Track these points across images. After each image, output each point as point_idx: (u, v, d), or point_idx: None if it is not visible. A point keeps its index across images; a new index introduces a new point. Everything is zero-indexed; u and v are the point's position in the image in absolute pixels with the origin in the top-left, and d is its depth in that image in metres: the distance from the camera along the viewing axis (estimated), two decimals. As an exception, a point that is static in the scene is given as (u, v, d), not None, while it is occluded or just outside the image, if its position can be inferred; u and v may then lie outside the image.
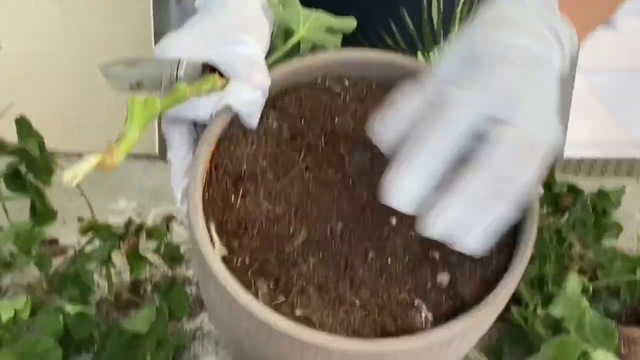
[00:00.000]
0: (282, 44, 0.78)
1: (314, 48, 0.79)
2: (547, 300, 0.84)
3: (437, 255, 0.70)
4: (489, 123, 0.60)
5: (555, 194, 0.93)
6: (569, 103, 2.06)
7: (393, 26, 1.13)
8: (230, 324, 0.71)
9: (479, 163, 0.59)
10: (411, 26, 1.13)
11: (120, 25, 1.57)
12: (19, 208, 1.06)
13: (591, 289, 0.83)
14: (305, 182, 0.73)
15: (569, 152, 1.63)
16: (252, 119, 0.73)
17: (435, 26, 1.14)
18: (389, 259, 0.70)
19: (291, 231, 0.72)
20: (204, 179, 0.72)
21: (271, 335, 0.67)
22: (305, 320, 0.68)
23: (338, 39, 0.81)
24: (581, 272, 0.92)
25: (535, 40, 0.64)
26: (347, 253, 0.71)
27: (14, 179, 0.90)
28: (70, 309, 0.83)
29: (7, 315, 0.80)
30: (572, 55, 0.70)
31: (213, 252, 0.68)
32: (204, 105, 0.71)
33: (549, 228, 0.93)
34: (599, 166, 1.23)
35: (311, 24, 0.79)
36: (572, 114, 2.09)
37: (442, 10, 1.14)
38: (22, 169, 0.90)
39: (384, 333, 0.68)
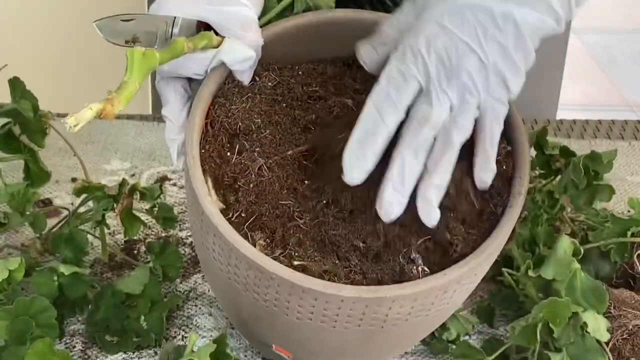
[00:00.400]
0: (277, 3, 0.80)
1: (308, 9, 0.80)
2: (539, 262, 0.84)
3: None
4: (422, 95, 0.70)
5: (547, 156, 0.93)
6: (562, 64, 2.05)
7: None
8: (228, 276, 0.72)
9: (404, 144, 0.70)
10: None
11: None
12: (13, 168, 1.06)
13: (582, 251, 0.83)
14: (297, 137, 0.76)
15: (562, 114, 1.63)
16: (245, 76, 0.76)
17: None
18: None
19: (286, 188, 0.73)
20: (201, 134, 0.73)
21: (270, 282, 0.68)
22: (304, 270, 0.69)
23: (331, 0, 0.82)
24: (572, 234, 0.92)
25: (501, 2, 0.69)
26: (344, 206, 0.72)
27: (8, 140, 0.90)
28: (65, 269, 0.84)
29: (1, 276, 0.81)
30: (567, 17, 0.72)
31: (212, 204, 0.70)
32: (198, 63, 0.73)
33: (541, 190, 0.94)
34: (591, 128, 1.23)
35: None
36: (565, 75, 2.08)
37: None
38: (16, 130, 0.89)
39: (381, 284, 0.70)
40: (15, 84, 0.88)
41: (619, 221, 0.88)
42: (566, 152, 0.92)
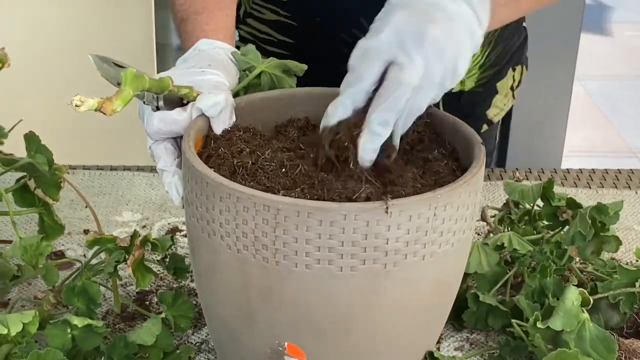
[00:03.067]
0: (246, 76, 0.95)
1: (273, 87, 0.95)
2: (548, 314, 0.85)
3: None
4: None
5: (555, 208, 0.94)
6: (566, 113, 2.07)
7: None
8: (234, 244, 0.77)
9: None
10: None
11: (126, 40, 1.59)
12: (25, 221, 1.08)
13: (591, 301, 0.84)
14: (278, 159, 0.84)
15: (568, 163, 1.65)
16: (217, 124, 0.86)
17: None
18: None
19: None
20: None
21: (277, 218, 0.74)
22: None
23: (293, 81, 0.97)
24: (581, 284, 0.93)
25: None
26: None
27: (23, 194, 0.91)
28: (78, 321, 0.84)
29: (15, 329, 0.81)
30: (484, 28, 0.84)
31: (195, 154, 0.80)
32: (181, 124, 0.85)
33: (549, 241, 0.95)
34: (598, 177, 1.24)
35: (269, 63, 0.95)
36: (570, 123, 2.11)
37: None
38: (31, 184, 0.91)
39: None
40: (31, 139, 0.89)
41: (626, 272, 0.89)
42: (573, 204, 0.93)
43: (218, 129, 0.86)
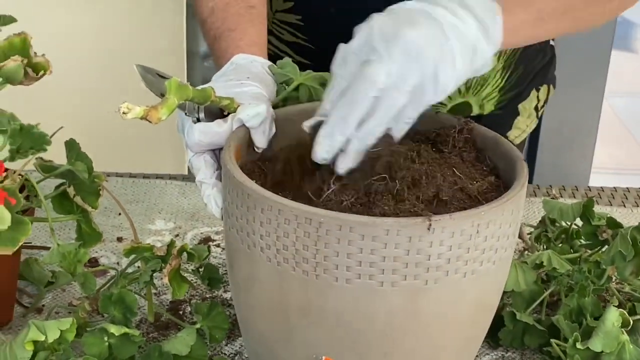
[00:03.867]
0: (284, 89, 0.96)
1: (311, 99, 0.95)
2: (586, 334, 0.84)
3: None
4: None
5: (594, 227, 0.94)
6: (595, 130, 2.06)
7: None
8: (274, 257, 0.77)
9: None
10: None
11: (157, 47, 1.60)
12: (60, 228, 1.08)
13: (631, 322, 0.83)
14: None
15: (595, 180, 1.63)
16: (258, 136, 0.85)
17: None
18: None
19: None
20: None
21: (319, 231, 0.74)
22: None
23: None
24: (620, 305, 0.92)
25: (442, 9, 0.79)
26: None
27: (62, 201, 0.91)
28: (115, 330, 0.84)
29: (53, 336, 0.81)
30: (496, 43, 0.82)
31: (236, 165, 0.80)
32: (221, 134, 0.85)
33: (587, 260, 0.94)
34: (633, 196, 1.23)
35: (307, 76, 0.96)
36: (597, 139, 2.10)
37: None
38: (70, 191, 0.91)
39: None
40: (71, 146, 0.90)
41: (666, 293, 0.88)
42: (613, 224, 0.93)
43: (259, 140, 0.86)
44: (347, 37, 1.12)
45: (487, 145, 0.88)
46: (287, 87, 0.95)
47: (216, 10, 1.04)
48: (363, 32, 0.80)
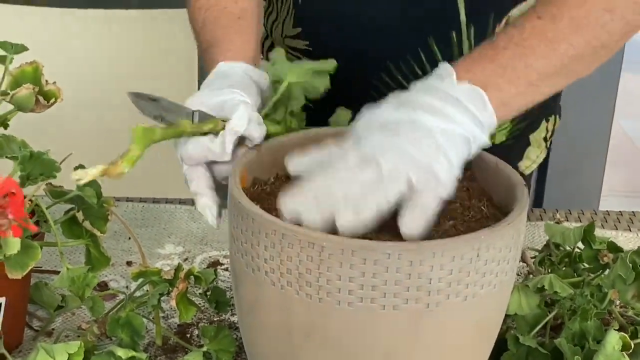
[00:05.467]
0: (275, 93, 0.94)
1: (307, 92, 0.94)
2: (589, 357, 0.85)
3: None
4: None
5: (595, 251, 0.94)
6: (605, 153, 2.07)
7: (423, 57, 1.15)
8: (277, 280, 0.78)
9: None
10: (441, 58, 1.15)
11: (167, 79, 1.63)
12: (70, 252, 1.09)
13: (632, 345, 0.84)
14: None
15: (606, 203, 1.64)
16: (255, 131, 0.87)
17: None
18: None
19: None
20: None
21: (322, 255, 0.75)
22: None
23: (325, 80, 0.95)
24: (622, 328, 0.93)
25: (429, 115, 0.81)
26: None
27: (72, 226, 0.93)
28: (122, 353, 0.86)
29: (61, 359, 0.83)
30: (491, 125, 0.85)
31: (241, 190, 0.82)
32: (213, 149, 0.86)
33: (589, 284, 0.95)
34: (639, 219, 1.24)
35: (298, 70, 0.94)
36: (608, 163, 2.10)
37: (473, 46, 1.15)
38: (79, 216, 0.92)
39: None
40: (80, 172, 0.91)
41: (668, 317, 0.89)
42: (614, 247, 0.94)
43: (256, 134, 0.88)
44: (355, 64, 1.15)
45: (488, 170, 0.89)
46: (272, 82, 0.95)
47: (207, 22, 1.05)
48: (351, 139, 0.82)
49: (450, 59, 1.13)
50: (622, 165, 3.05)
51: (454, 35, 1.14)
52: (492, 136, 1.23)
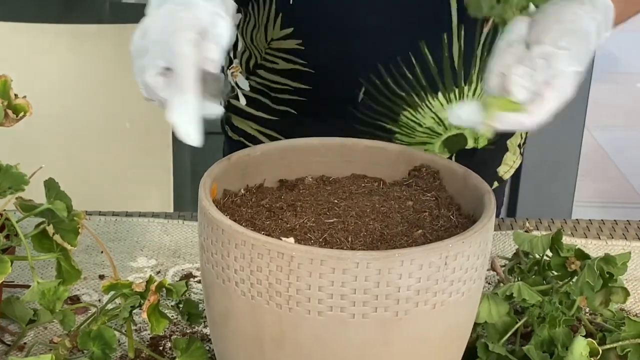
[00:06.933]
0: None
1: None
2: (557, 363, 0.86)
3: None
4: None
5: (563, 259, 0.96)
6: (576, 162, 2.09)
7: (413, 59, 1.16)
8: (247, 291, 0.78)
9: None
10: (431, 61, 1.16)
11: (138, 94, 1.63)
12: (41, 266, 1.09)
13: (600, 351, 0.85)
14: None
15: (579, 213, 1.66)
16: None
17: (457, 65, 1.18)
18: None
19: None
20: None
21: (291, 265, 0.76)
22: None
23: None
24: (590, 335, 0.94)
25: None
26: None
27: (42, 240, 0.93)
28: (93, 366, 0.86)
29: (32, 372, 0.83)
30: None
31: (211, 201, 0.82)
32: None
33: (558, 291, 0.96)
34: (607, 228, 1.25)
35: None
36: (580, 173, 2.12)
37: (462, 49, 1.17)
38: (50, 229, 0.92)
39: None
40: (51, 185, 0.91)
41: (634, 324, 0.90)
42: (581, 255, 0.95)
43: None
44: (349, 57, 1.15)
45: (456, 180, 0.90)
46: None
47: None
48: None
49: (440, 61, 1.16)
50: (593, 175, 3.08)
51: (444, 37, 1.15)
52: (476, 140, 1.25)
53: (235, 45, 1.29)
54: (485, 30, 1.15)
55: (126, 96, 1.60)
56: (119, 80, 1.64)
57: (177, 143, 1.61)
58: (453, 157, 1.25)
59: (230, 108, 1.32)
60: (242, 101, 1.29)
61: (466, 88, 1.20)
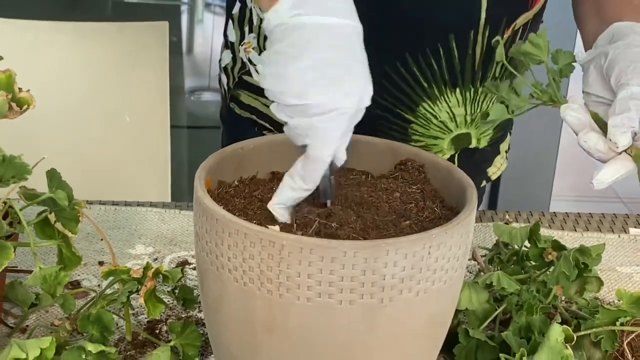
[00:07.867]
0: None
1: None
2: (533, 349, 0.90)
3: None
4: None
5: (541, 249, 1.00)
6: (554, 157, 2.12)
7: (441, 52, 1.18)
8: (238, 278, 0.82)
9: None
10: (456, 56, 1.19)
11: (140, 85, 1.66)
12: (44, 252, 1.13)
13: (575, 337, 0.89)
14: None
15: (557, 207, 1.69)
16: None
17: (477, 64, 1.20)
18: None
19: None
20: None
21: (282, 253, 0.79)
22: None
23: None
24: (565, 322, 0.98)
25: None
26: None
27: (44, 227, 0.96)
28: (92, 348, 0.90)
29: (33, 354, 0.86)
30: None
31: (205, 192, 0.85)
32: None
33: (535, 280, 1.00)
34: (583, 221, 1.30)
35: None
36: (558, 168, 2.16)
37: (484, 49, 1.19)
38: (52, 217, 0.96)
39: None
40: (52, 175, 0.95)
41: (607, 312, 0.94)
42: (558, 246, 0.99)
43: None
44: (373, 50, 1.15)
45: (441, 174, 0.94)
46: None
47: None
48: None
49: (464, 57, 1.18)
50: (570, 171, 3.11)
51: (471, 34, 1.17)
52: (479, 140, 1.29)
53: (250, 19, 1.28)
54: (506, 35, 1.18)
55: (126, 91, 1.63)
56: (120, 75, 1.67)
57: (174, 137, 1.64)
58: (456, 155, 1.29)
59: (241, 84, 1.32)
60: (256, 77, 1.28)
61: (480, 90, 1.23)
